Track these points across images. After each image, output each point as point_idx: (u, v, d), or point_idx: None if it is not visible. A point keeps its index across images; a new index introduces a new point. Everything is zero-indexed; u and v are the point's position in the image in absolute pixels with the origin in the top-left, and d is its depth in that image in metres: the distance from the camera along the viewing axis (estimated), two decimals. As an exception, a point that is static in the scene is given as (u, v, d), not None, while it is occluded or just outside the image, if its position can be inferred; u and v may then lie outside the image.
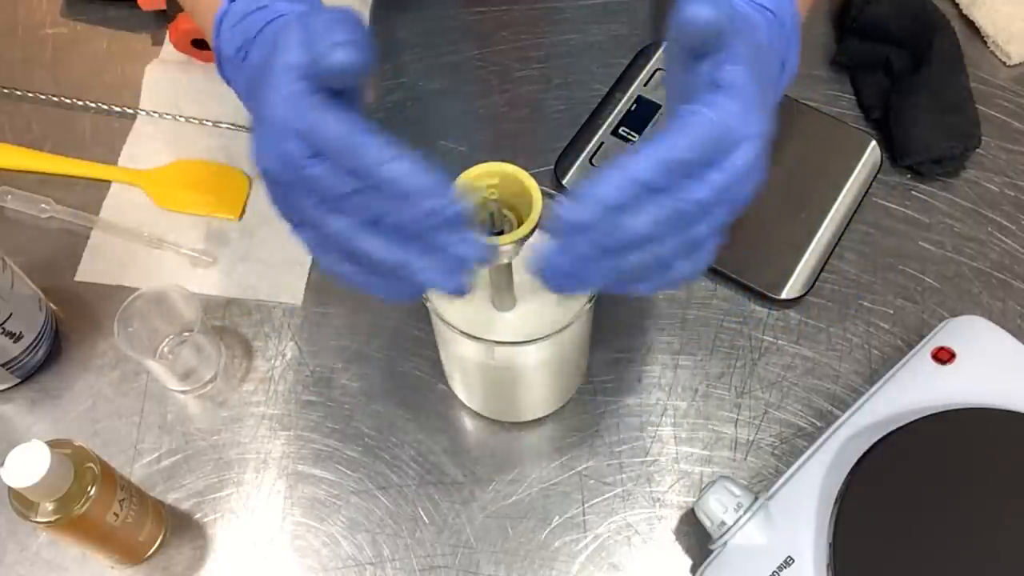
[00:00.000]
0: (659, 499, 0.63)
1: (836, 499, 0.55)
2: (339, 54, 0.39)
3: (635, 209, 0.40)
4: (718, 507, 0.57)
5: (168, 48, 0.80)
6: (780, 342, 0.68)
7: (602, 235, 0.41)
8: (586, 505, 0.63)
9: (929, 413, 0.57)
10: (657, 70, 0.77)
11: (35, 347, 0.66)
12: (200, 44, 0.78)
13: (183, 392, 0.67)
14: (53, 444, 0.51)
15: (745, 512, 0.56)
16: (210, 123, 0.77)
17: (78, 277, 0.71)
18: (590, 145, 0.74)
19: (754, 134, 0.41)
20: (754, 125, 0.41)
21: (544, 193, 0.51)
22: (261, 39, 0.48)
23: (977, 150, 0.74)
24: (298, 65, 0.41)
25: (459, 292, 0.42)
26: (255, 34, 0.48)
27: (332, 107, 0.40)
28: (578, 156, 0.74)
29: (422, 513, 0.63)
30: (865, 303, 0.70)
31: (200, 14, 0.55)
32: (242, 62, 0.49)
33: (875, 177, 0.73)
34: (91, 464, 0.54)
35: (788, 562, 0.54)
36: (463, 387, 0.65)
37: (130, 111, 0.77)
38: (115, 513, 0.56)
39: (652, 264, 0.42)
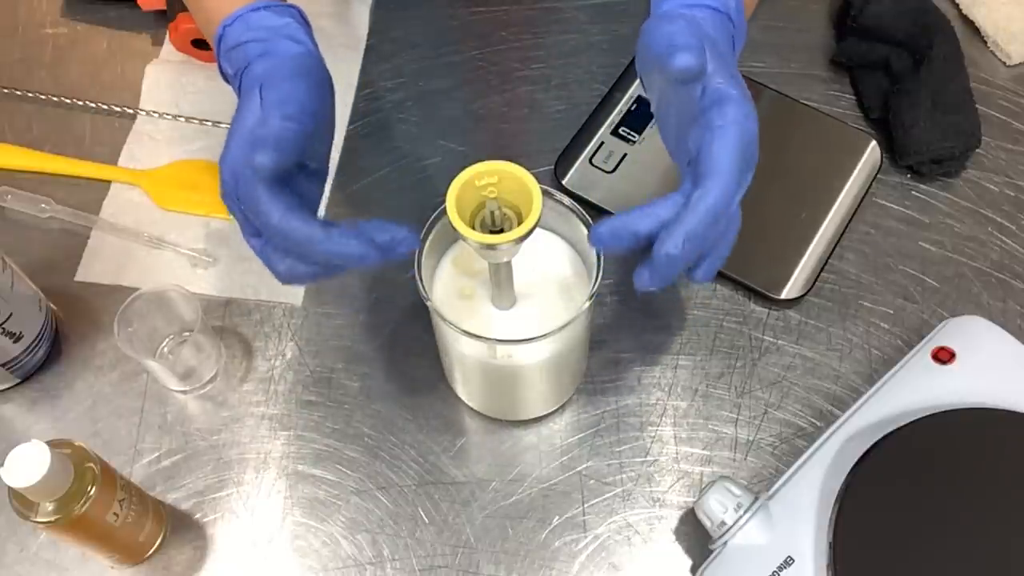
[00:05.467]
0: (659, 499, 0.63)
1: (836, 499, 0.55)
2: (259, 158, 0.47)
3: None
4: (718, 507, 0.57)
5: (168, 48, 0.80)
6: (780, 342, 0.68)
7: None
8: (586, 505, 0.63)
9: (929, 413, 0.57)
10: (657, 70, 0.77)
11: (35, 347, 0.66)
12: (200, 44, 0.78)
13: (183, 392, 0.67)
14: (53, 444, 0.51)
15: (745, 512, 0.56)
16: (210, 123, 0.77)
17: (78, 277, 0.71)
18: (590, 145, 0.74)
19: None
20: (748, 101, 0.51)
21: (544, 191, 0.51)
22: (249, 74, 0.53)
23: (977, 150, 0.74)
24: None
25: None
26: (244, 67, 0.54)
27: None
28: (578, 156, 0.74)
29: (422, 513, 0.63)
30: (865, 303, 0.70)
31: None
32: (237, 87, 0.55)
33: (875, 177, 0.73)
34: (91, 464, 0.54)
35: (788, 562, 0.54)
36: (463, 386, 0.65)
37: (130, 111, 0.77)
38: (115, 513, 0.56)
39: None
